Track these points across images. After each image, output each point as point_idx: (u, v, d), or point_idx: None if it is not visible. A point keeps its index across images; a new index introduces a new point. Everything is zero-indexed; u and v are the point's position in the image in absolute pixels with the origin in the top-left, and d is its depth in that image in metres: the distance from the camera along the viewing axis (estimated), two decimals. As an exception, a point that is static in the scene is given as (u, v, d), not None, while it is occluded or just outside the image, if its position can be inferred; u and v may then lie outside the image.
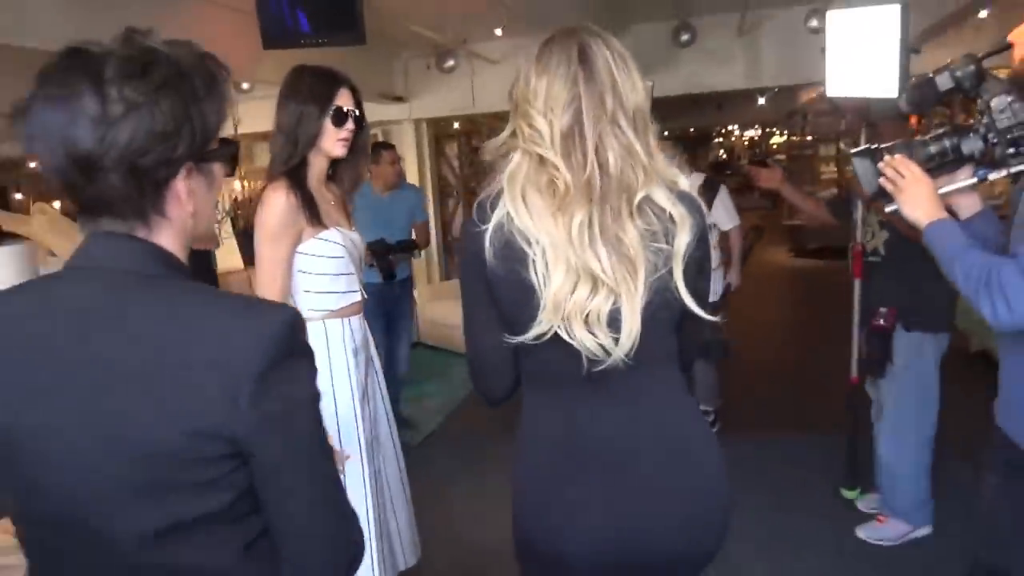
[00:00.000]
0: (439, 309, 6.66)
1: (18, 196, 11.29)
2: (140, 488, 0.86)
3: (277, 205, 1.91)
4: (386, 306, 4.15)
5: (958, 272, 1.47)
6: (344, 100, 2.02)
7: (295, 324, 0.91)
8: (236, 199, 7.32)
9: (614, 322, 1.17)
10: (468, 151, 8.60)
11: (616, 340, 1.17)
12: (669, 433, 1.27)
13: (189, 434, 0.84)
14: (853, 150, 1.74)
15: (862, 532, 3.08)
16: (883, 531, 3.04)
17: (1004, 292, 1.37)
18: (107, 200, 0.88)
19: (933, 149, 1.64)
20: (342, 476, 1.93)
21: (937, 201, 1.58)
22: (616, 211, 1.17)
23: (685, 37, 6.54)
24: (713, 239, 4.03)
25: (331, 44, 3.28)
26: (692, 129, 21.62)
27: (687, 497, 1.26)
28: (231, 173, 1.06)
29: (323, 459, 0.95)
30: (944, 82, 1.62)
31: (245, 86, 5.79)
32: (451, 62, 6.94)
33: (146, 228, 0.91)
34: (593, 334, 1.16)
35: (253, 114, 7.38)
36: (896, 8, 1.98)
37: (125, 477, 0.86)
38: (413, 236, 4.57)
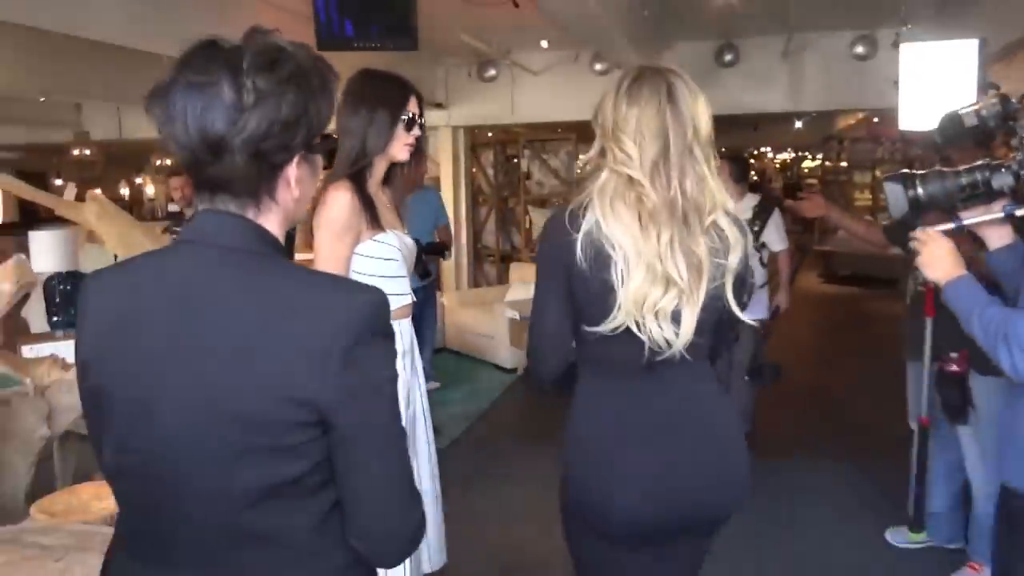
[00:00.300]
0: (466, 316, 6.68)
1: (58, 182, 11.53)
2: (234, 449, 0.92)
3: (342, 205, 1.93)
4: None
5: (976, 327, 1.51)
6: (413, 107, 2.06)
7: (382, 306, 0.97)
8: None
9: (676, 320, 1.38)
10: (503, 160, 8.63)
11: (677, 335, 1.38)
12: (705, 413, 1.51)
13: (281, 400, 0.90)
14: (886, 175, 1.73)
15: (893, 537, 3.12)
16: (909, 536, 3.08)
17: (1021, 344, 1.41)
18: (228, 179, 0.94)
19: (964, 180, 1.63)
20: None
21: (955, 259, 1.59)
22: (692, 229, 1.38)
23: (728, 57, 6.54)
24: (763, 258, 4.09)
25: (384, 48, 3.32)
26: (723, 149, 21.46)
27: (719, 464, 1.50)
28: (329, 166, 1.10)
29: (397, 437, 0.99)
30: (969, 120, 1.61)
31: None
32: (492, 71, 7.00)
33: (256, 209, 0.97)
34: (661, 328, 1.37)
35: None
36: (974, 43, 1.96)
37: (223, 438, 0.91)
38: (436, 239, 4.60)
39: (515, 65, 6.83)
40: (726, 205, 1.43)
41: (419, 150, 2.13)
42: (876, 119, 11.55)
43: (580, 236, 1.37)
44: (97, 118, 8.10)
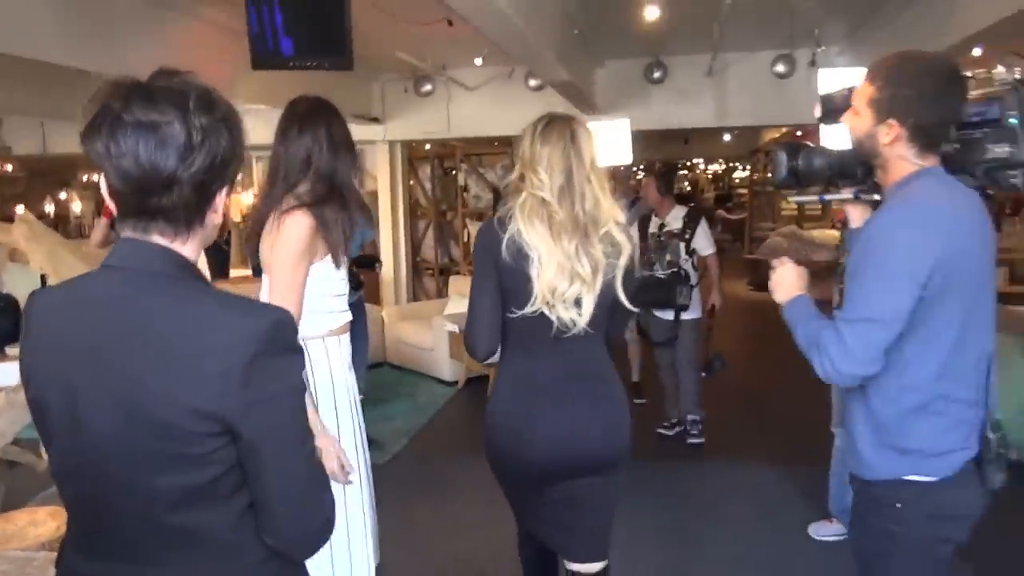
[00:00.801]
0: (405, 329, 6.70)
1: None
2: (154, 455, 1.00)
3: (302, 233, 1.97)
4: None
5: (800, 337, 1.70)
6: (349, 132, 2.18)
7: (281, 324, 1.05)
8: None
9: (578, 304, 1.84)
10: (441, 174, 8.69)
11: (579, 315, 1.84)
12: (596, 376, 1.96)
13: (189, 412, 0.98)
14: (777, 142, 1.94)
15: (815, 532, 3.42)
16: (832, 529, 3.40)
17: (828, 352, 1.59)
18: (171, 208, 1.03)
19: (818, 162, 1.86)
20: (343, 491, 2.05)
21: (798, 283, 1.80)
22: (590, 237, 1.85)
23: (657, 74, 6.76)
24: (694, 263, 4.51)
25: (320, 68, 3.37)
26: (657, 164, 22.00)
27: (606, 416, 1.96)
28: (230, 192, 1.18)
29: (300, 444, 1.08)
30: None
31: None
32: (428, 86, 7.07)
33: (186, 233, 1.06)
34: (567, 311, 1.84)
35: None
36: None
37: (142, 445, 1.00)
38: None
39: (451, 81, 6.92)
40: (617, 218, 1.88)
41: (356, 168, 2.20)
42: (799, 132, 12.04)
43: (506, 237, 1.83)
44: (20, 133, 7.84)
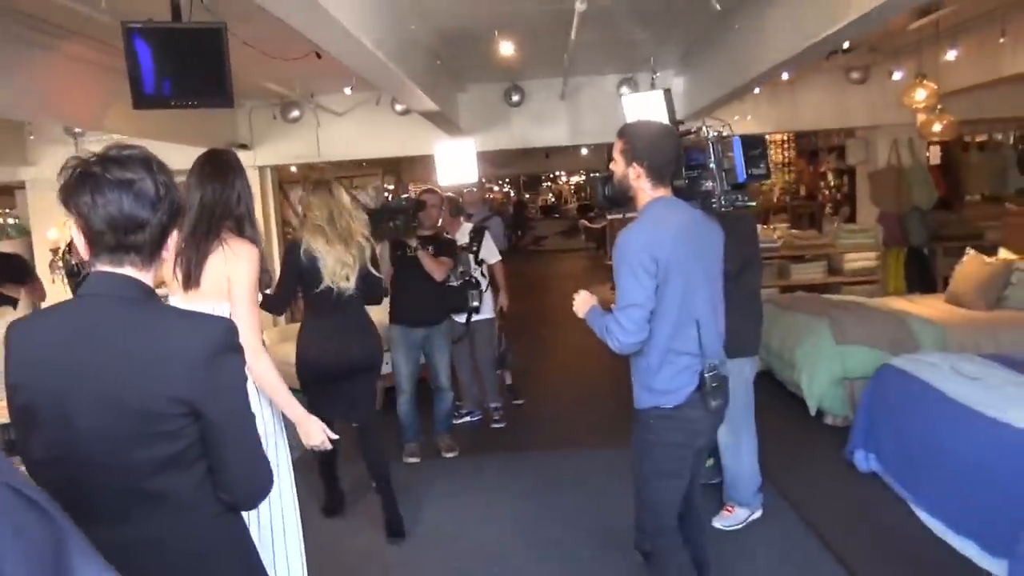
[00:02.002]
0: (287, 349, 6.78)
1: None
2: (134, 435, 1.30)
3: (255, 264, 2.38)
4: None
5: (596, 330, 2.44)
6: None
7: (231, 330, 1.39)
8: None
9: (347, 280, 3.51)
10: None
11: (350, 285, 3.53)
12: (359, 316, 3.67)
13: (164, 398, 1.29)
14: (596, 175, 2.66)
15: (718, 522, 3.69)
16: (733, 518, 3.69)
17: (613, 332, 2.35)
18: (141, 245, 1.33)
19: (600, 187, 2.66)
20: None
21: (586, 302, 2.56)
22: (349, 243, 3.53)
23: (515, 98, 7.28)
24: (483, 271, 5.24)
25: (201, 106, 3.57)
26: (523, 178, 22.83)
27: (364, 340, 3.68)
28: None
29: (248, 420, 1.43)
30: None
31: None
32: (296, 112, 7.25)
33: (150, 264, 1.37)
34: (343, 285, 3.52)
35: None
36: (660, 93, 3.31)
37: (124, 428, 1.29)
38: None
39: (319, 107, 7.13)
40: (362, 232, 3.58)
41: None
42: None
43: (302, 248, 3.53)
44: None
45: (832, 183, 10.79)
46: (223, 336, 1.35)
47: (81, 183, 1.29)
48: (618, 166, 2.44)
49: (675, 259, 2.29)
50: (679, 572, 2.53)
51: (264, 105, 7.23)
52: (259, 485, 1.45)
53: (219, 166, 2.51)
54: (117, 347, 1.30)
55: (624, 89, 7.14)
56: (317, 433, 2.52)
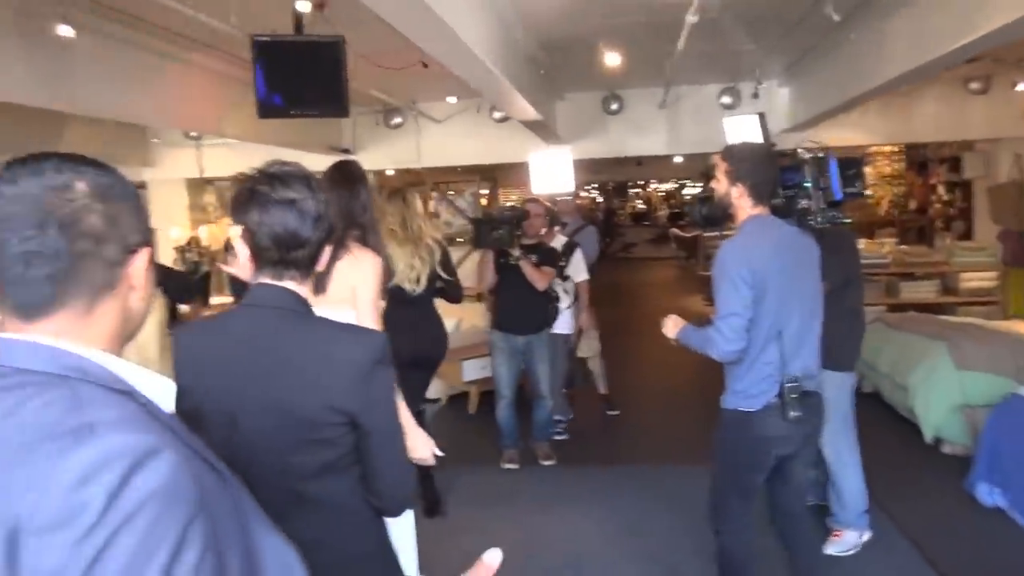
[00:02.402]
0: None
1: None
2: (296, 441, 1.36)
3: (379, 273, 2.47)
4: None
5: (695, 345, 2.60)
6: None
7: (385, 343, 1.45)
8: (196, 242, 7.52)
9: (418, 282, 3.67)
10: (410, 201, 9.04)
11: (417, 286, 3.66)
12: (430, 315, 3.86)
13: (325, 408, 1.35)
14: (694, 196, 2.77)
15: (830, 549, 3.50)
16: (842, 543, 3.54)
17: (715, 342, 2.48)
18: (300, 261, 1.40)
19: (715, 209, 2.76)
20: None
21: (676, 324, 2.73)
22: (419, 245, 3.67)
23: (614, 106, 7.25)
24: (566, 288, 5.06)
25: (319, 116, 3.73)
26: (611, 184, 22.74)
27: (432, 334, 3.86)
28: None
29: (398, 431, 1.48)
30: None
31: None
32: (398, 119, 7.45)
33: (307, 278, 1.44)
34: (414, 284, 3.66)
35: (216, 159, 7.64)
36: (755, 118, 3.39)
37: (287, 434, 1.36)
38: None
39: (420, 114, 7.30)
40: (432, 236, 3.72)
41: None
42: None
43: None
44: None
45: (944, 197, 10.24)
46: (381, 350, 1.40)
47: (250, 200, 1.37)
48: (721, 185, 2.59)
49: (770, 272, 2.45)
50: (745, 561, 2.70)
51: (368, 112, 7.45)
52: (404, 493, 1.51)
53: (347, 176, 2.63)
54: (281, 356, 1.37)
55: (725, 98, 7.02)
56: (423, 447, 2.54)
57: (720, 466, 2.70)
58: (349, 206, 2.54)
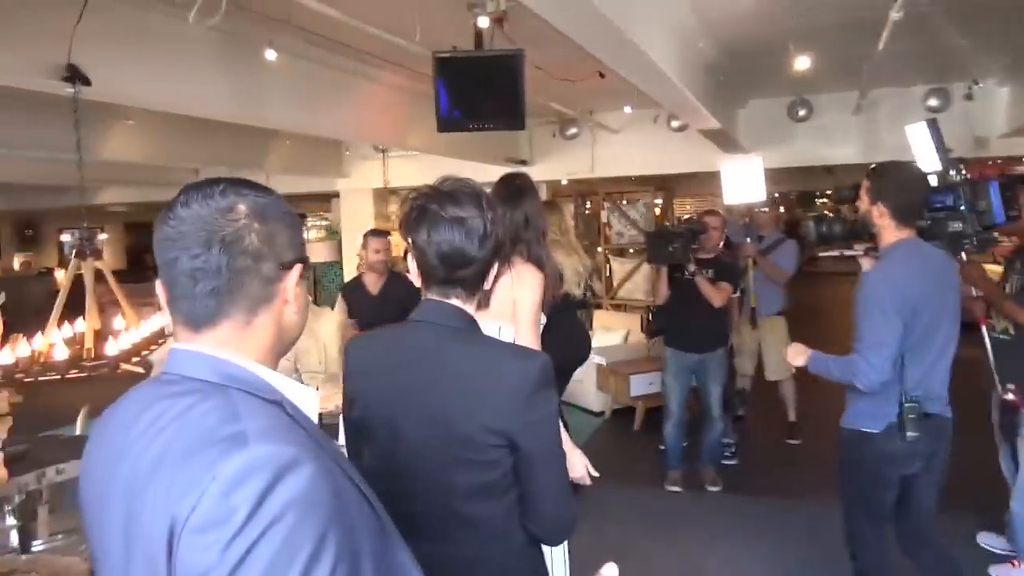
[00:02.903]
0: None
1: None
2: (455, 459, 1.34)
3: (539, 288, 2.43)
4: None
5: (835, 373, 2.54)
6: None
7: (548, 366, 1.39)
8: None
9: (578, 287, 3.89)
10: (583, 211, 9.03)
11: (579, 290, 3.89)
12: (582, 322, 4.05)
13: (484, 428, 1.31)
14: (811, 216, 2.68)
15: (993, 572, 3.43)
16: (1018, 573, 3.39)
17: (861, 371, 2.42)
18: (466, 279, 1.39)
19: (837, 228, 2.87)
20: None
21: (802, 352, 2.67)
22: (580, 254, 3.98)
23: (801, 112, 6.81)
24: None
25: (496, 129, 3.78)
26: (793, 195, 21.69)
27: (586, 338, 4.01)
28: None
29: (559, 456, 1.41)
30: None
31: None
32: (574, 130, 7.45)
33: (474, 296, 1.42)
34: (576, 292, 3.88)
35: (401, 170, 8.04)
36: (922, 125, 3.04)
37: (447, 450, 1.34)
38: None
39: (596, 125, 7.27)
40: (581, 244, 4.01)
41: None
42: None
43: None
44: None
45: None
46: (544, 372, 1.35)
47: (420, 219, 1.36)
48: (863, 203, 2.57)
49: (921, 301, 2.43)
50: None
51: (544, 123, 7.53)
52: (566, 521, 1.44)
53: (512, 190, 2.61)
54: (444, 372, 1.36)
55: (932, 100, 6.37)
56: (579, 466, 2.43)
57: (846, 489, 2.71)
58: (513, 220, 2.53)
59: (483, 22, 3.34)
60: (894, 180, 2.51)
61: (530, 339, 2.35)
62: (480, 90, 3.63)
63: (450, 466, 1.35)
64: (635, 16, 2.95)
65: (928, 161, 2.87)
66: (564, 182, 8.83)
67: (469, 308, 1.42)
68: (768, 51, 4.77)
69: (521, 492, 1.38)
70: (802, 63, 4.48)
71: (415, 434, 1.36)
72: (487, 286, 1.44)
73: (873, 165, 2.61)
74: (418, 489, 1.38)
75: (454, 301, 1.41)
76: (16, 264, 14.33)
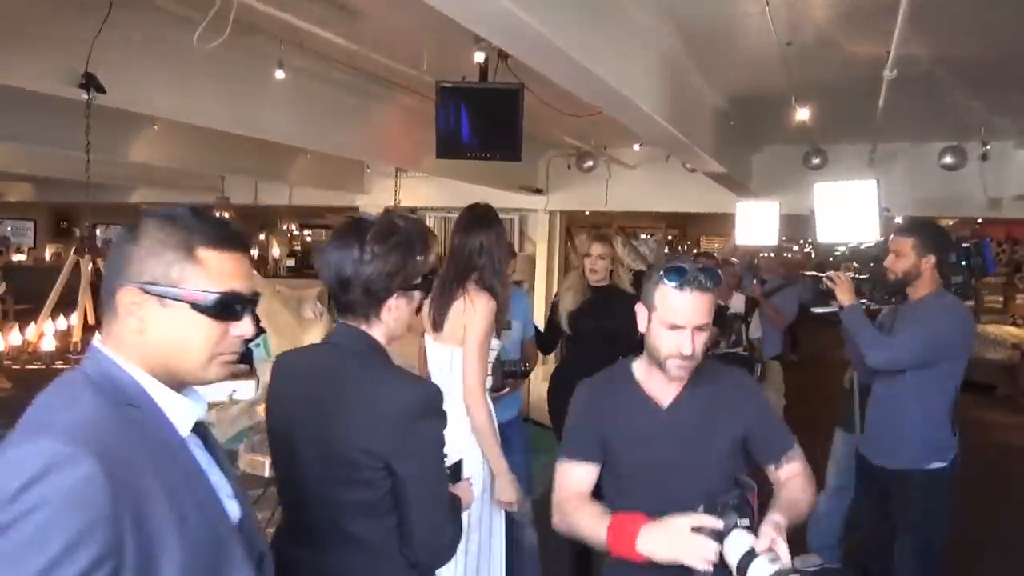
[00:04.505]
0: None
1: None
2: (338, 477, 1.42)
3: (489, 316, 2.49)
4: None
5: (863, 333, 2.76)
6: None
7: (433, 395, 1.46)
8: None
9: None
10: (596, 243, 9.10)
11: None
12: None
13: (362, 450, 1.40)
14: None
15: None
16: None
17: (885, 346, 2.72)
18: (352, 304, 1.49)
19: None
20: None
21: (849, 290, 2.86)
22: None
23: (816, 161, 6.81)
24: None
25: (493, 159, 3.89)
26: (806, 240, 21.57)
27: None
28: (426, 296, 1.61)
29: (436, 483, 1.47)
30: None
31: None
32: (590, 163, 7.54)
33: (367, 324, 1.51)
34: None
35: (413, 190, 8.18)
36: (871, 183, 3.76)
37: (331, 468, 1.43)
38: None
39: (611, 159, 7.35)
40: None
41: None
42: (979, 222, 11.38)
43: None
44: (237, 186, 9.13)
45: None
46: (426, 401, 1.43)
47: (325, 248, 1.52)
48: (906, 259, 2.76)
49: (968, 340, 2.85)
50: None
51: (561, 155, 7.64)
52: (437, 549, 1.48)
53: (472, 219, 2.69)
54: (333, 394, 1.45)
55: (947, 158, 6.35)
56: (511, 492, 2.50)
57: (927, 534, 2.77)
58: (467, 248, 2.60)
59: (479, 57, 3.46)
60: (937, 236, 2.77)
61: (474, 363, 2.42)
62: (480, 120, 3.74)
63: (335, 483, 1.43)
64: (626, 67, 3.03)
65: (858, 223, 3.78)
66: (587, 213, 8.91)
67: (375, 332, 1.50)
68: (771, 101, 4.83)
69: (398, 516, 1.44)
70: (802, 114, 4.52)
71: (307, 451, 1.45)
72: (391, 315, 1.51)
73: (901, 222, 2.83)
74: (311, 501, 1.47)
75: (363, 326, 1.50)
76: (47, 255, 14.75)
